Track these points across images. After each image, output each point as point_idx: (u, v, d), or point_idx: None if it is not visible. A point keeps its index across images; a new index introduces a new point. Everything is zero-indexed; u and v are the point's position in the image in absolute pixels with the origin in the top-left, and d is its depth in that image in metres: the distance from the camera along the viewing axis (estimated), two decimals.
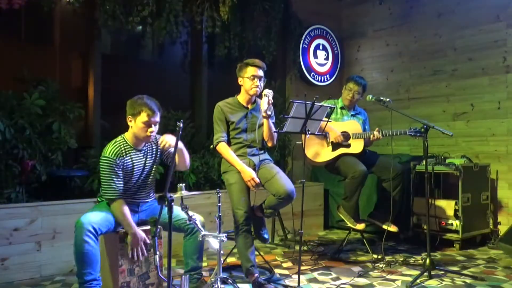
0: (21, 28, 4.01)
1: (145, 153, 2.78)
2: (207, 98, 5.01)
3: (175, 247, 2.40)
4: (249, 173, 3.01)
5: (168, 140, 2.64)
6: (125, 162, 2.65)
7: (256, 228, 3.22)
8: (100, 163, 2.62)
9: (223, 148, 3.12)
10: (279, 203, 3.06)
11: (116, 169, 2.60)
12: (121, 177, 2.63)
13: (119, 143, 2.69)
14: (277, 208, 3.23)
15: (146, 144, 2.80)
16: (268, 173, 3.12)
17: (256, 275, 2.96)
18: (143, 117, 2.62)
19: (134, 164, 2.70)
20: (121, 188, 2.63)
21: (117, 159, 2.61)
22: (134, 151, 2.72)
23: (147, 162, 2.78)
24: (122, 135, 2.74)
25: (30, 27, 4.03)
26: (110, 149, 2.63)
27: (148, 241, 2.70)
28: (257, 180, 3.02)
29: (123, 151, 2.67)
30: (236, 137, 3.18)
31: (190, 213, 2.50)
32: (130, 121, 2.68)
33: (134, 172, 2.71)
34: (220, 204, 2.56)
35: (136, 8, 4.16)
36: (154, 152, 2.83)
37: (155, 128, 2.69)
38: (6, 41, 3.92)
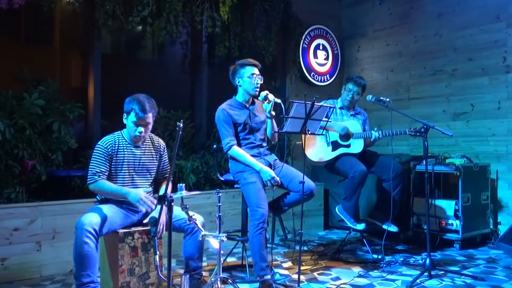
0: (21, 28, 4.01)
1: (143, 151, 2.79)
2: (207, 98, 5.01)
3: (175, 247, 2.40)
4: (269, 173, 3.04)
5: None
6: (116, 153, 2.68)
7: None
8: (93, 151, 2.68)
9: (238, 151, 3.12)
10: (302, 200, 3.08)
11: (103, 156, 2.64)
12: (107, 165, 2.65)
13: (115, 135, 2.74)
14: (296, 205, 3.24)
15: (145, 143, 2.80)
16: (287, 172, 3.17)
17: (269, 276, 2.94)
18: (132, 116, 2.65)
19: (127, 156, 2.71)
20: (105, 174, 2.64)
21: (108, 147, 2.66)
22: (129, 146, 2.74)
23: (142, 160, 2.77)
24: (121, 130, 2.78)
25: (30, 27, 4.03)
26: (104, 139, 2.70)
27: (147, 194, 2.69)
28: (278, 179, 3.04)
29: (117, 142, 2.70)
30: (246, 137, 3.19)
31: (190, 213, 2.50)
32: (125, 118, 2.71)
33: (124, 164, 2.70)
34: (220, 204, 2.56)
35: (136, 8, 4.16)
36: (153, 153, 2.83)
37: (145, 129, 2.69)
38: (6, 41, 3.92)
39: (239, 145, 3.18)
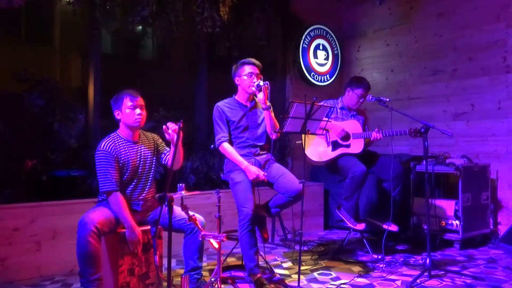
0: (21, 27, 4.01)
1: (141, 145, 2.80)
2: (207, 98, 5.01)
3: (175, 247, 2.40)
4: (254, 171, 3.03)
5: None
6: (120, 154, 2.68)
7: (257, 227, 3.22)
8: (96, 158, 2.65)
9: (226, 148, 3.12)
10: (289, 202, 3.09)
11: (111, 161, 2.63)
12: (116, 169, 2.65)
13: (112, 137, 2.74)
14: (285, 207, 3.22)
15: (140, 138, 2.82)
16: (276, 173, 3.14)
17: (260, 274, 2.95)
18: (127, 102, 2.70)
19: (129, 153, 2.72)
20: (118, 180, 2.64)
21: (112, 151, 2.65)
22: (128, 143, 2.75)
23: (143, 153, 2.79)
24: (115, 131, 2.79)
25: (30, 26, 4.03)
26: (104, 143, 2.68)
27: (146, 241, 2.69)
28: (263, 176, 3.03)
29: (117, 143, 2.70)
30: (239, 136, 3.18)
31: (190, 213, 2.50)
32: (118, 114, 2.73)
33: (130, 162, 2.71)
34: (220, 204, 2.56)
35: (136, 8, 4.16)
36: (151, 145, 2.85)
37: (141, 111, 2.72)
38: (6, 40, 3.92)
39: (231, 143, 3.18)
